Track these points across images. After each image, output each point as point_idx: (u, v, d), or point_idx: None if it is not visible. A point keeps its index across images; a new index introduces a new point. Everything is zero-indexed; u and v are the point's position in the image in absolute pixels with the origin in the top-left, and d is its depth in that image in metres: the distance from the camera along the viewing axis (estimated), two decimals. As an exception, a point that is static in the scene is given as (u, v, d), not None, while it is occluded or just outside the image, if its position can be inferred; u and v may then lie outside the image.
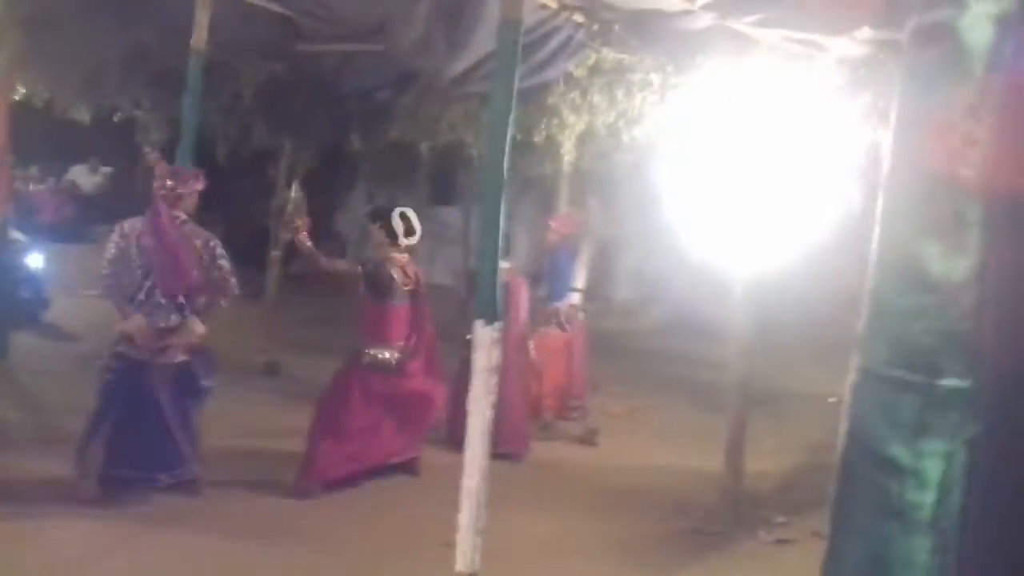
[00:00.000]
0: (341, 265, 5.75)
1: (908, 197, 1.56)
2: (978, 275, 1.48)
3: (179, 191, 4.75)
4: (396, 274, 5.41)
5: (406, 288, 5.46)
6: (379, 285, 5.39)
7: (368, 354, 5.35)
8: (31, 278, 8.67)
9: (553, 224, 7.09)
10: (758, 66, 5.09)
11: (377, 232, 5.52)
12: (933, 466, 1.51)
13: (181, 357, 4.69)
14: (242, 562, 4.16)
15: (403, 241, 5.46)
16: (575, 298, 7.02)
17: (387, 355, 5.36)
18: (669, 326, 12.71)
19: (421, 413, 5.60)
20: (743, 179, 5.03)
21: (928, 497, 1.51)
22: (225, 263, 4.80)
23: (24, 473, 4.88)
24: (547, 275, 7.01)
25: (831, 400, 7.97)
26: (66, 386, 6.50)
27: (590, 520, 5.16)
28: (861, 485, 1.60)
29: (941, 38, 1.51)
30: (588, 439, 6.82)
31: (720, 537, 5.00)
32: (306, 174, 9.10)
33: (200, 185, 4.88)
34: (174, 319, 4.66)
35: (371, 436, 5.35)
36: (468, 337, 6.02)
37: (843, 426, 1.63)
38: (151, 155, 8.53)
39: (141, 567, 4.03)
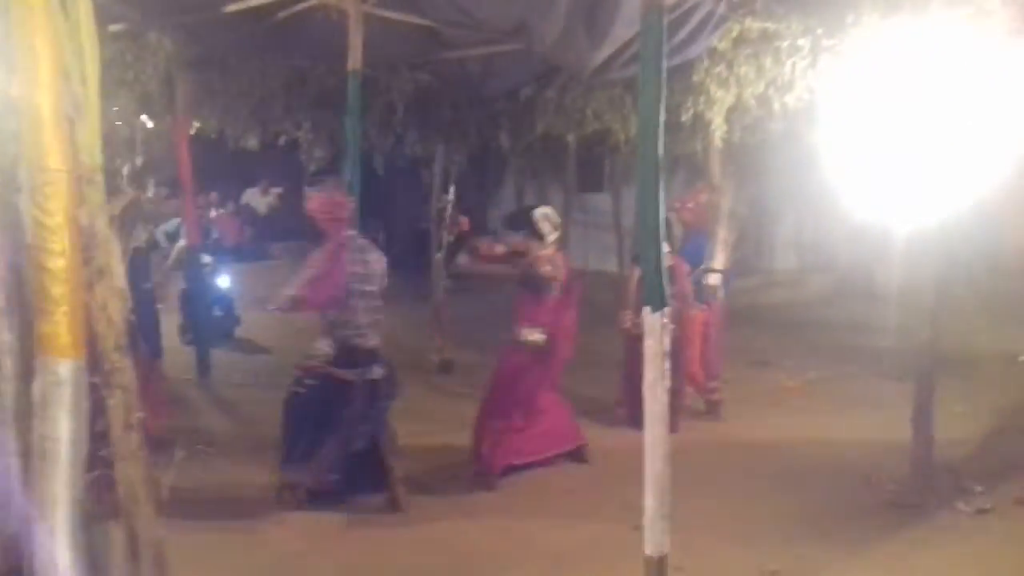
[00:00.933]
0: (499, 269, 5.96)
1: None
2: None
3: (343, 212, 4.92)
4: (547, 272, 5.56)
5: (556, 282, 5.61)
6: (535, 285, 5.57)
7: (519, 335, 5.55)
8: (222, 298, 9.40)
9: (679, 204, 7.02)
10: (913, 19, 4.87)
11: (522, 238, 5.67)
12: None
13: (379, 373, 4.87)
14: (439, 551, 4.39)
15: (549, 239, 5.63)
16: (713, 278, 6.93)
17: (532, 336, 5.53)
18: (836, 293, 12.27)
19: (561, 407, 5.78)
20: (905, 134, 4.82)
21: None
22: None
23: (236, 479, 5.29)
24: (683, 255, 6.96)
25: (1022, 359, 7.52)
26: (264, 396, 7.03)
27: (776, 498, 5.09)
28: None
29: None
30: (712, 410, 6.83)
31: (915, 510, 4.82)
32: (458, 176, 9.40)
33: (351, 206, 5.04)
34: (374, 338, 4.85)
35: (534, 419, 5.56)
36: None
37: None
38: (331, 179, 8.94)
39: (347, 561, 4.31)
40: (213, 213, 14.31)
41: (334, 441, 4.82)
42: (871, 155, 5.04)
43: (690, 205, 6.90)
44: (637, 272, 6.52)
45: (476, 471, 5.38)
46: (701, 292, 6.82)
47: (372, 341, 4.86)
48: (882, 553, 4.34)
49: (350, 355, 4.82)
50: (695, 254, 6.85)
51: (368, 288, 4.84)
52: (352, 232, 4.94)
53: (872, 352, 8.22)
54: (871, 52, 5.23)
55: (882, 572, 4.15)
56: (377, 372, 4.86)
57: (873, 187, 5.09)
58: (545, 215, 5.67)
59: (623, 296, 6.60)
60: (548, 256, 5.63)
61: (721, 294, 7.01)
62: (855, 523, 4.70)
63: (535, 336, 5.51)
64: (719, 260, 6.97)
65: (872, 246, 11.45)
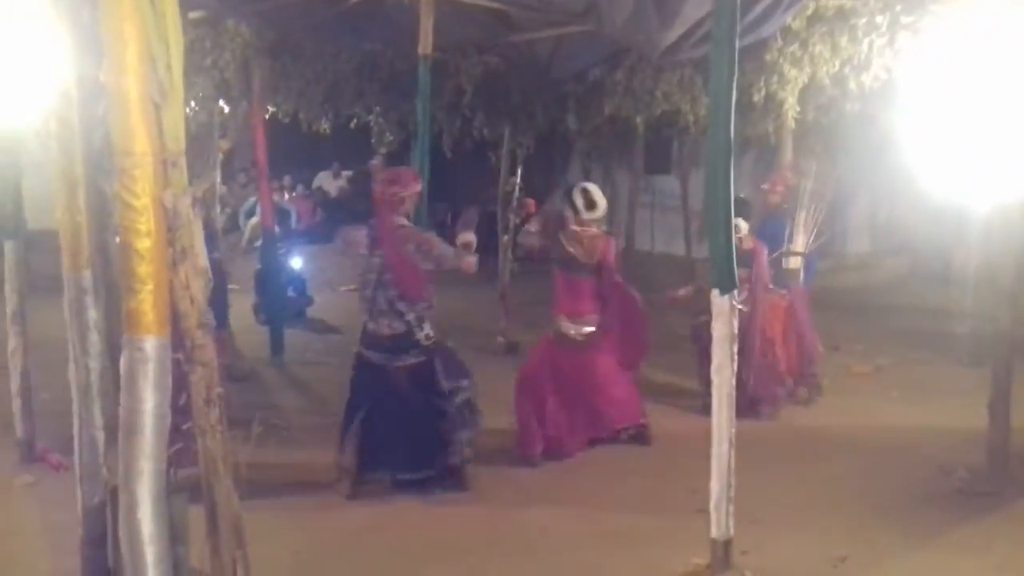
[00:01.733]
0: (535, 241, 5.89)
1: None
2: None
3: (400, 194, 4.84)
4: (574, 248, 5.53)
5: (586, 262, 5.55)
6: (562, 263, 5.58)
7: (556, 328, 5.60)
8: (295, 279, 9.63)
9: (768, 186, 6.85)
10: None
11: (567, 209, 5.62)
12: None
13: (414, 359, 4.83)
14: (505, 530, 4.46)
15: (584, 215, 5.51)
16: (794, 261, 6.77)
17: (573, 331, 5.56)
18: (911, 277, 11.96)
19: (615, 387, 5.70)
20: (986, 112, 4.67)
21: None
22: (442, 252, 4.85)
23: (306, 454, 5.41)
24: (763, 238, 6.80)
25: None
26: (336, 375, 7.18)
27: (844, 483, 5.03)
28: None
29: None
30: (808, 396, 6.68)
31: (990, 499, 4.71)
32: (525, 158, 9.43)
33: (419, 187, 5.01)
34: (397, 326, 4.79)
35: (571, 408, 5.55)
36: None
37: None
38: (374, 163, 9.07)
39: (414, 539, 4.40)
40: (286, 196, 14.63)
41: (357, 425, 4.87)
42: (950, 134, 4.89)
43: (779, 188, 6.74)
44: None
45: (520, 457, 5.43)
46: (781, 276, 6.68)
47: (391, 329, 4.79)
48: (954, 542, 4.26)
49: (374, 341, 4.86)
50: (775, 237, 6.68)
51: (383, 276, 4.78)
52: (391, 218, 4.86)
53: (947, 338, 8.00)
54: (951, 29, 5.08)
55: (954, 561, 4.07)
56: (408, 360, 4.81)
57: (952, 167, 4.95)
58: (583, 190, 5.58)
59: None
60: (582, 234, 5.53)
61: (801, 278, 6.84)
62: (927, 511, 4.61)
63: (575, 329, 5.55)
64: (800, 243, 6.79)
65: (950, 228, 11.13)
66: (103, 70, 2.52)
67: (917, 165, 5.11)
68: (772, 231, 6.63)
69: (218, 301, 7.30)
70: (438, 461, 4.88)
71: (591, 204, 5.52)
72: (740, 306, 6.10)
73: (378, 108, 8.93)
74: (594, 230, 5.57)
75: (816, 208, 6.78)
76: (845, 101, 7.37)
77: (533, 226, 5.99)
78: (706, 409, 6.08)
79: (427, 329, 4.85)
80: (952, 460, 5.17)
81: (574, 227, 5.54)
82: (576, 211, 5.52)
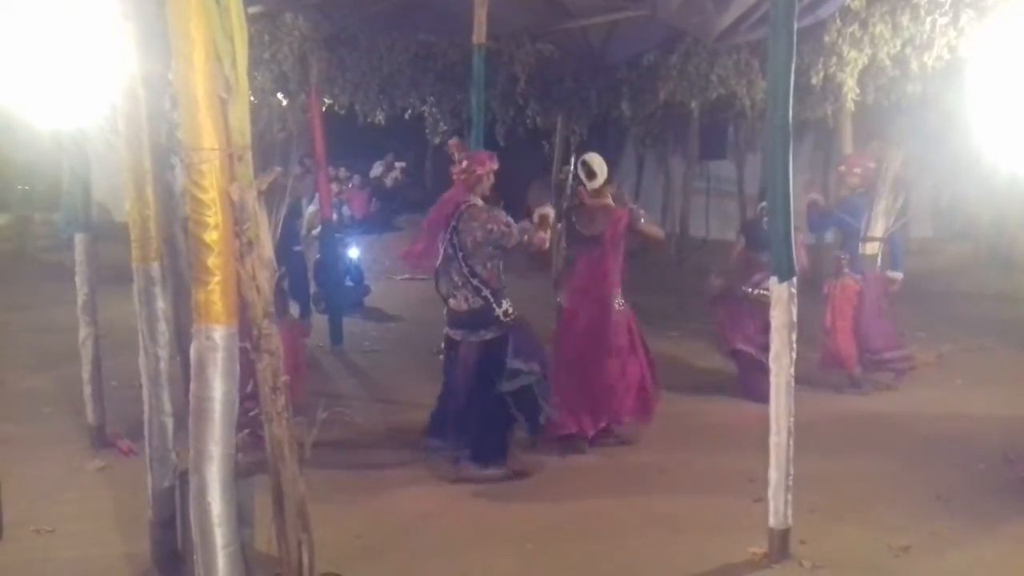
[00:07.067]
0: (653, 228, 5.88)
1: None
2: None
3: (477, 172, 4.92)
4: (578, 221, 5.55)
5: (588, 234, 5.52)
6: (573, 236, 5.59)
7: (559, 303, 5.63)
8: (352, 269, 9.78)
9: (852, 162, 6.68)
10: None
11: (573, 181, 5.64)
12: None
13: (489, 335, 4.83)
14: (562, 517, 4.48)
15: (588, 185, 5.50)
16: (871, 247, 6.59)
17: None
18: (975, 263, 11.67)
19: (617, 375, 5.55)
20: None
21: None
22: (510, 230, 4.82)
23: (369, 441, 5.51)
24: (842, 220, 6.64)
25: None
26: (393, 363, 7.32)
27: (906, 472, 4.94)
28: None
29: None
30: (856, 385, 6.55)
31: (1059, 488, 4.61)
32: (579, 146, 9.40)
33: (495, 165, 5.04)
34: (475, 301, 4.81)
35: (579, 386, 5.44)
36: (749, 289, 6.13)
37: None
38: (452, 141, 9.06)
39: (473, 524, 4.43)
40: (335, 188, 14.80)
41: (441, 402, 4.99)
42: (1017, 115, 4.76)
43: (857, 170, 6.58)
44: (741, 242, 6.58)
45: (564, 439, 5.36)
46: (857, 261, 6.55)
47: (469, 304, 4.82)
48: (1020, 533, 4.16)
49: (454, 317, 4.91)
50: (853, 218, 6.56)
51: (457, 252, 4.82)
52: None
53: (1012, 324, 7.81)
54: (1018, 5, 4.93)
55: (1019, 553, 3.98)
56: (485, 335, 4.82)
57: (1019, 149, 4.81)
58: (583, 162, 5.56)
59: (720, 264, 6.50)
60: (593, 206, 5.51)
61: (879, 264, 6.67)
62: (991, 501, 4.51)
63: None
64: (879, 228, 6.62)
65: (1014, 212, 10.83)
66: (171, 68, 2.60)
67: (982, 148, 4.98)
68: (849, 212, 6.49)
69: (301, 291, 7.48)
70: (479, 439, 4.89)
71: (591, 174, 5.49)
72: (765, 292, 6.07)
73: (432, 98, 9.01)
74: (604, 200, 5.52)
75: (898, 194, 6.62)
76: (906, 82, 7.20)
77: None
78: (742, 389, 6.13)
79: (506, 305, 4.86)
80: (1018, 449, 5.06)
81: (586, 200, 5.53)
82: (583, 183, 5.52)
